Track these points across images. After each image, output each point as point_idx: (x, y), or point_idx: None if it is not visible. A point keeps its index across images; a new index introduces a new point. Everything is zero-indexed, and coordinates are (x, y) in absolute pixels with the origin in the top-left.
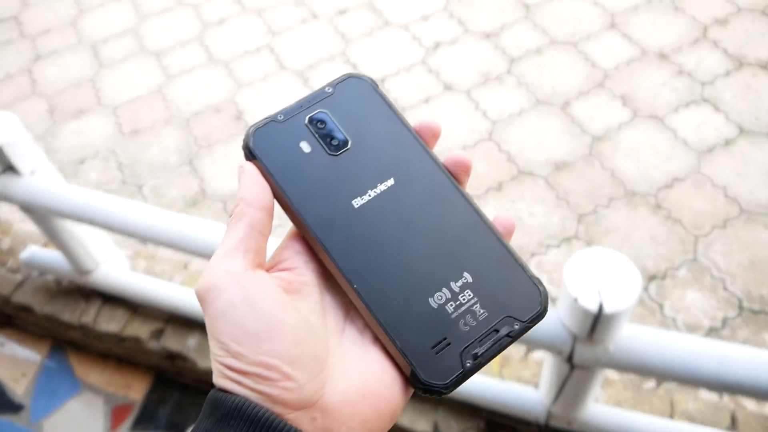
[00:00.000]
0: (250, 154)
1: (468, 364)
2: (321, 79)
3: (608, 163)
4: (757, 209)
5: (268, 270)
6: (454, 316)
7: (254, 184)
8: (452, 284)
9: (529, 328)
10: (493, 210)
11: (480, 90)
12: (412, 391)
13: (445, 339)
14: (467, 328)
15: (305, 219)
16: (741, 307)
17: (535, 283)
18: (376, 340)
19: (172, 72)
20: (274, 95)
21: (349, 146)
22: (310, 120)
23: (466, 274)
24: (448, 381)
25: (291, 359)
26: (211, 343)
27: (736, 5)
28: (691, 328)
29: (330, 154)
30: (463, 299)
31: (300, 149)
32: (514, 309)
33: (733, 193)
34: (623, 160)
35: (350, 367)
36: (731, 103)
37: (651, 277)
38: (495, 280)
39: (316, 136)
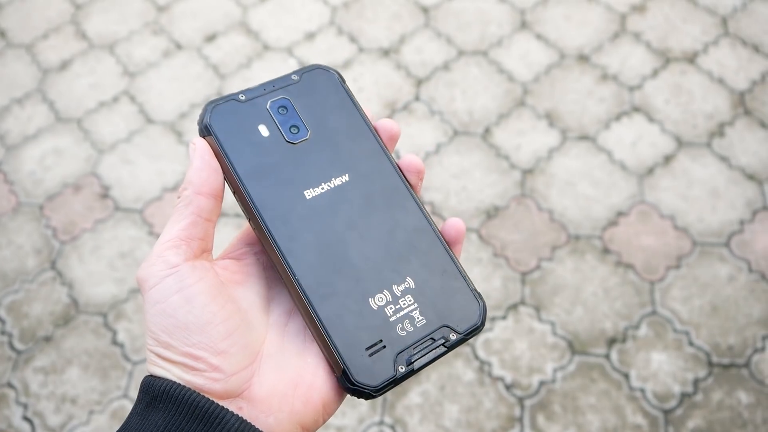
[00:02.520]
0: (205, 130)
1: (401, 369)
2: (195, 133)
3: (544, 202)
4: (709, 239)
5: (218, 258)
6: (392, 319)
7: (204, 166)
8: (394, 287)
9: (466, 340)
10: None
11: None
12: None
13: (380, 342)
14: (404, 333)
15: (254, 204)
16: (710, 363)
17: (476, 297)
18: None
19: (11, 141)
20: (144, 161)
21: (308, 136)
22: (272, 104)
23: (409, 279)
24: (378, 384)
25: (218, 351)
26: (146, 334)
27: None
28: (662, 398)
29: (288, 142)
30: (404, 304)
31: (258, 132)
32: (453, 319)
33: (682, 224)
34: (560, 197)
35: (286, 359)
36: (664, 111)
37: (611, 342)
38: (437, 288)
39: (276, 121)
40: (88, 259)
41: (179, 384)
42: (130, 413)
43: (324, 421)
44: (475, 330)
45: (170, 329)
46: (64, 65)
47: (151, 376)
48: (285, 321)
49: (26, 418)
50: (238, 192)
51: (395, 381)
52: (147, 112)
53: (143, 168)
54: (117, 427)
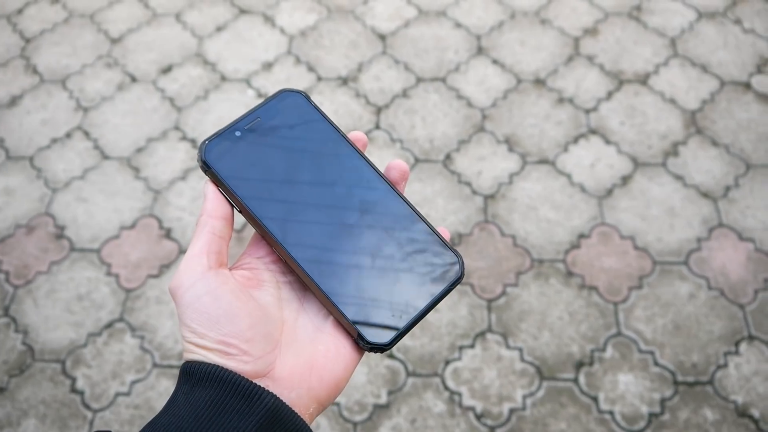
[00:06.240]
0: (204, 165)
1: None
2: (153, 168)
3: (507, 228)
4: (668, 258)
5: (232, 269)
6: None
7: (214, 198)
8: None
9: (451, 290)
10: None
11: None
12: (354, 366)
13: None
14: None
15: (262, 222)
16: (676, 382)
17: (455, 254)
18: (325, 322)
19: None
20: (100, 198)
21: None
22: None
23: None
24: (388, 340)
25: (246, 338)
26: (182, 329)
27: (603, 11)
28: (631, 420)
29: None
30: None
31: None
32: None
33: (642, 243)
34: (522, 222)
35: (300, 347)
36: (620, 132)
37: (579, 365)
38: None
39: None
40: (43, 303)
41: (220, 366)
42: (174, 393)
43: (335, 397)
44: (458, 281)
45: (205, 322)
46: (14, 101)
47: (190, 362)
48: (295, 316)
49: None
50: (245, 213)
51: (401, 334)
52: (102, 148)
53: (99, 206)
54: None
